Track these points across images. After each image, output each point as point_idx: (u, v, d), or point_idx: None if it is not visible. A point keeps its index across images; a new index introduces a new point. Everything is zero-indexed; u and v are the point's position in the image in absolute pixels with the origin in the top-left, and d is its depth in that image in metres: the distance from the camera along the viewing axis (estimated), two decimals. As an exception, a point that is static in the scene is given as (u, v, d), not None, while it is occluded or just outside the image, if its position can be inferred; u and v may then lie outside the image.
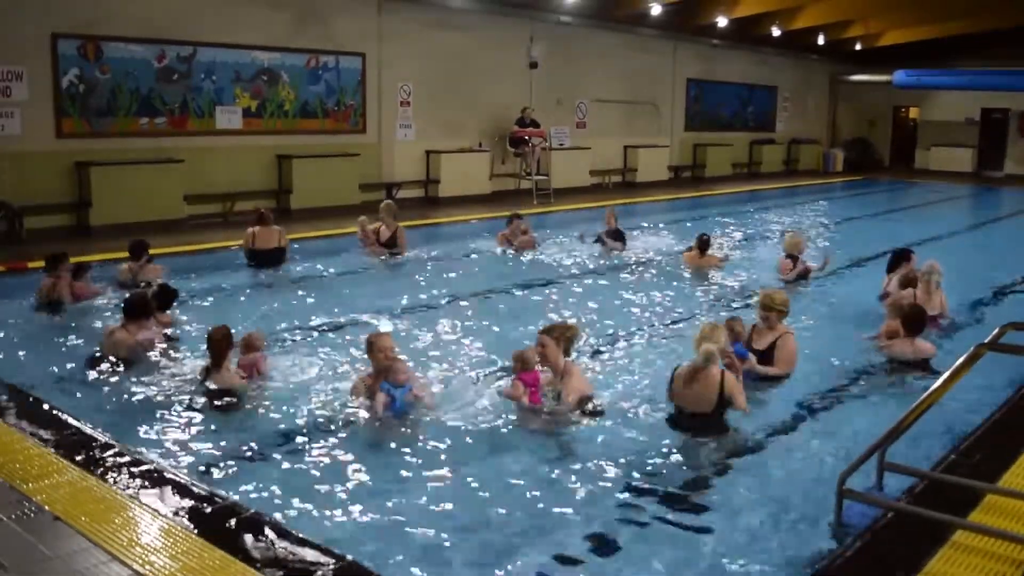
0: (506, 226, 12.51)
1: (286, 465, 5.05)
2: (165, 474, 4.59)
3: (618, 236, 12.51)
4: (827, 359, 7.06)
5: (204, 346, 6.41)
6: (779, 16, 22.87)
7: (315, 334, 7.85)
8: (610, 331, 8.15)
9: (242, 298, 9.34)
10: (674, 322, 8.64)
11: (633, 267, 11.42)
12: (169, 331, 7.49)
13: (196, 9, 14.04)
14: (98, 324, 7.76)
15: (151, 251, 9.67)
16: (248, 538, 3.92)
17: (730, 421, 5.56)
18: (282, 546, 3.86)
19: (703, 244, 11.20)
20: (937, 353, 7.01)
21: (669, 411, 5.68)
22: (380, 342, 5.86)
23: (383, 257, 11.56)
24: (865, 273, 10.89)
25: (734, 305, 9.31)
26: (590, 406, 5.80)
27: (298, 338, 7.69)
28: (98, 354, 6.78)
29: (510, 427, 5.60)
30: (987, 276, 10.82)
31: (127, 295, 7.59)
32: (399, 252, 11.69)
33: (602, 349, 7.54)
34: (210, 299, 9.16)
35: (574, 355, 6.32)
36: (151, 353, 6.83)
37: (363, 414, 5.73)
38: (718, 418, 5.48)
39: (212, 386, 5.99)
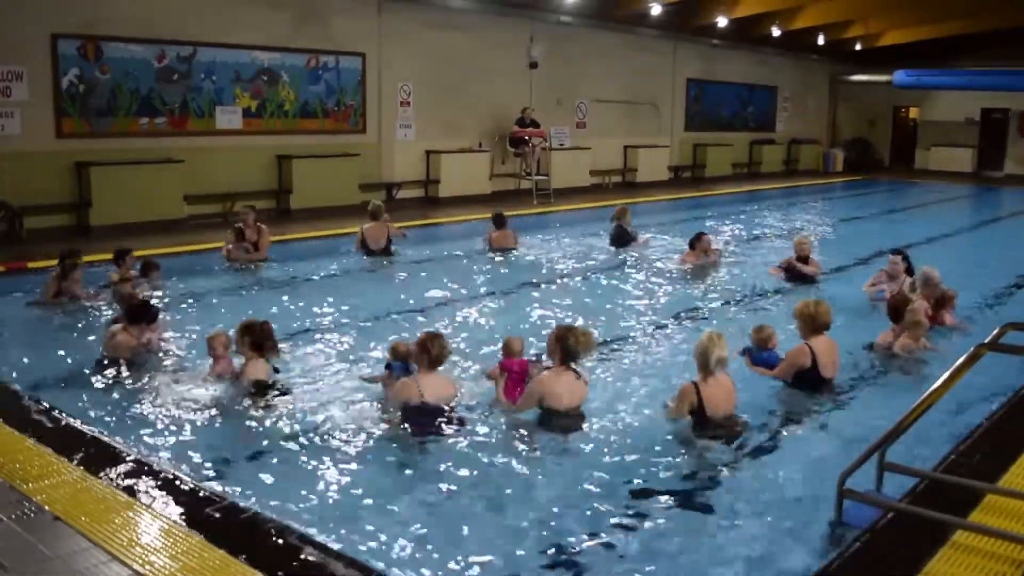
0: (496, 228, 12.36)
1: (286, 465, 5.05)
2: (165, 474, 4.59)
3: (629, 237, 12.49)
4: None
5: (201, 347, 6.40)
6: (779, 16, 22.87)
7: (315, 334, 7.84)
8: (609, 331, 8.15)
9: (243, 298, 9.34)
10: (672, 322, 8.64)
11: (634, 267, 11.42)
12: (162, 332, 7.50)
13: (196, 9, 14.04)
14: (99, 324, 7.76)
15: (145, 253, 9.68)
16: (248, 538, 3.92)
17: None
18: (282, 546, 3.86)
19: (691, 243, 11.42)
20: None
21: (683, 421, 5.59)
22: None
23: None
24: (865, 273, 10.87)
25: (730, 307, 9.32)
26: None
27: (298, 338, 7.69)
28: (100, 356, 6.79)
29: (511, 427, 5.59)
30: (987, 276, 10.81)
31: (122, 296, 7.58)
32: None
33: (601, 349, 7.54)
34: (210, 299, 9.16)
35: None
36: (152, 354, 6.84)
37: (363, 415, 5.74)
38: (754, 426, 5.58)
39: (251, 377, 6.10)
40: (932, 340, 7.49)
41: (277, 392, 6.12)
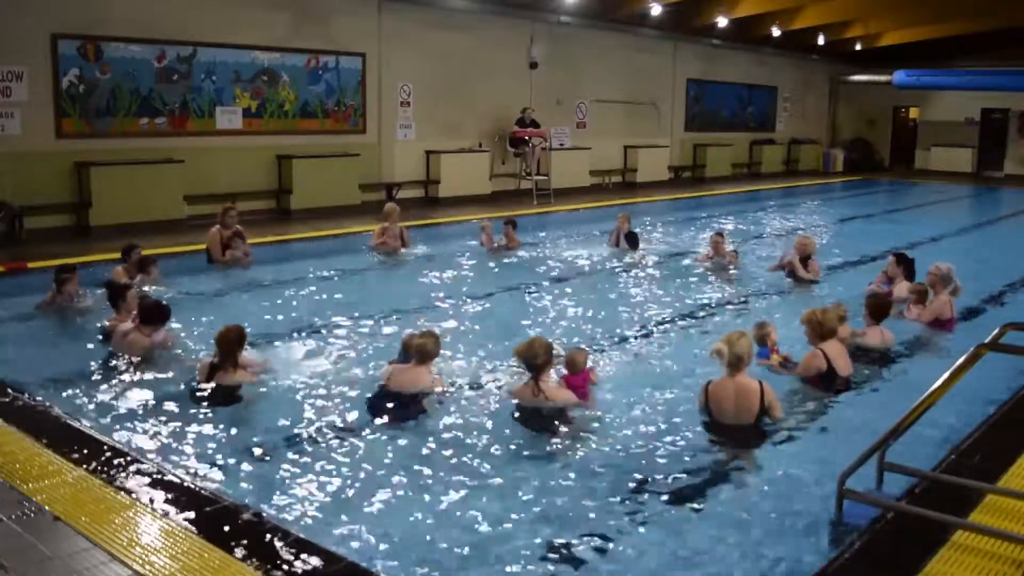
0: (504, 235, 12.43)
1: (287, 465, 5.05)
2: (165, 474, 4.59)
3: (632, 240, 12.53)
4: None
5: (201, 347, 6.37)
6: (779, 16, 22.86)
7: (315, 334, 7.85)
8: (612, 332, 8.15)
9: (243, 298, 9.34)
10: (671, 322, 8.64)
11: (634, 268, 11.43)
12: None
13: (196, 9, 14.03)
14: (98, 324, 7.75)
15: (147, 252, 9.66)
16: (248, 538, 3.91)
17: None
18: (282, 547, 3.86)
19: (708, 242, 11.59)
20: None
21: (699, 419, 5.64)
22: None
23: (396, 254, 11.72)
24: (865, 273, 10.88)
25: (730, 307, 9.33)
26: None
27: (298, 338, 7.69)
28: (104, 355, 6.78)
29: (511, 426, 5.60)
30: (987, 276, 10.81)
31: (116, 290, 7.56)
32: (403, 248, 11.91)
33: (605, 349, 7.55)
34: (210, 300, 9.16)
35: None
36: (157, 353, 6.85)
37: (363, 414, 5.74)
38: (757, 426, 5.57)
39: (221, 383, 6.05)
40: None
41: (276, 392, 6.12)
